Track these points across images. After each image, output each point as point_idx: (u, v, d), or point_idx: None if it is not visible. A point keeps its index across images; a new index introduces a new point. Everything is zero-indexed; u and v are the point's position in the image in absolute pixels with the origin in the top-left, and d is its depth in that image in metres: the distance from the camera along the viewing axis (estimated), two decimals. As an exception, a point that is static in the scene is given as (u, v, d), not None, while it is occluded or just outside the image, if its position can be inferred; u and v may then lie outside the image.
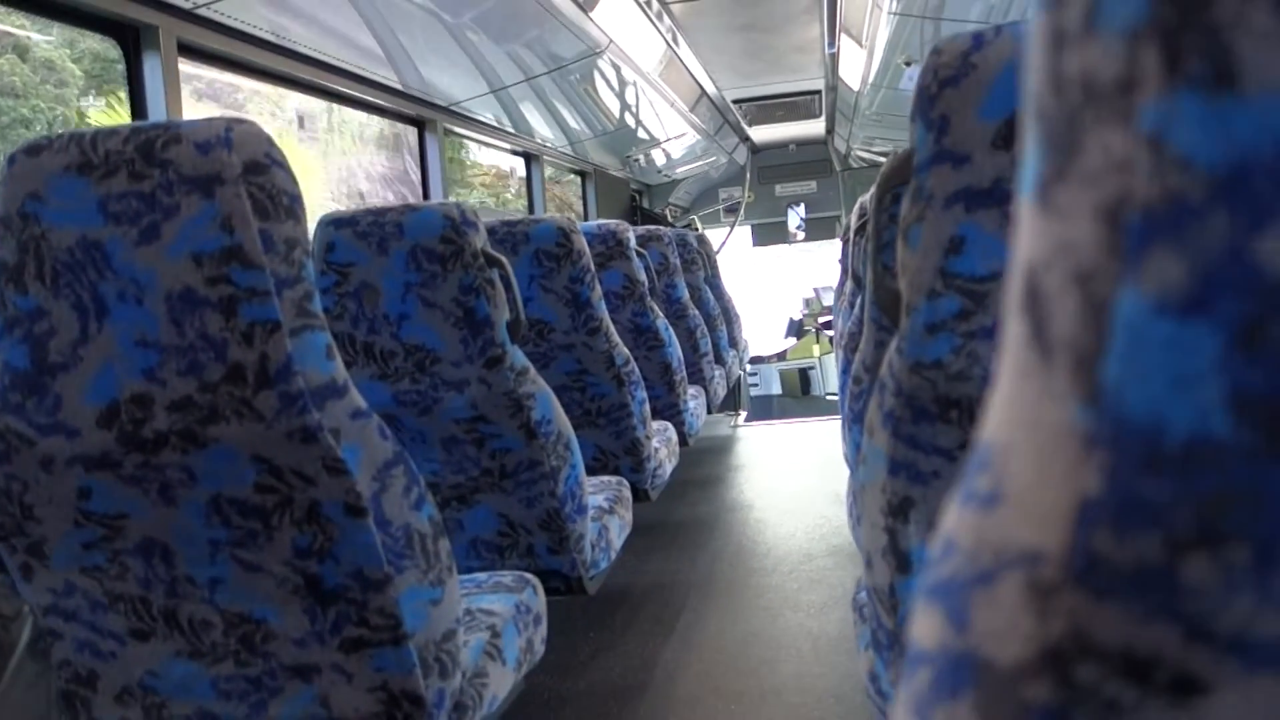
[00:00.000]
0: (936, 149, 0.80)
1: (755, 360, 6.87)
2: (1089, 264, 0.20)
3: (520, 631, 1.41)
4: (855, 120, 4.88)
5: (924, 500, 0.85)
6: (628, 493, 2.19)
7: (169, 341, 0.91)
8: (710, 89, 4.55)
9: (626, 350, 2.32)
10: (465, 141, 3.71)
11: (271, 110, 2.60)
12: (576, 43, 2.96)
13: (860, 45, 3.53)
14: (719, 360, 4.37)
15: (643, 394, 2.40)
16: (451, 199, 3.00)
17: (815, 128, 6.08)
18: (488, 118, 3.52)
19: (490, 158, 4.17)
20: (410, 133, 3.23)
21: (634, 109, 4.18)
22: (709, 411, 3.76)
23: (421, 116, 3.12)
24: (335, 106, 2.65)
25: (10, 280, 0.94)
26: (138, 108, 1.86)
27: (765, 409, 6.70)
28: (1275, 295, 0.18)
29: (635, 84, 3.74)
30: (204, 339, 0.91)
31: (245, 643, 1.04)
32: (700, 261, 4.59)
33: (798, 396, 6.77)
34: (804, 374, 6.84)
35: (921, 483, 0.85)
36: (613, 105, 4.01)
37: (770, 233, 6.88)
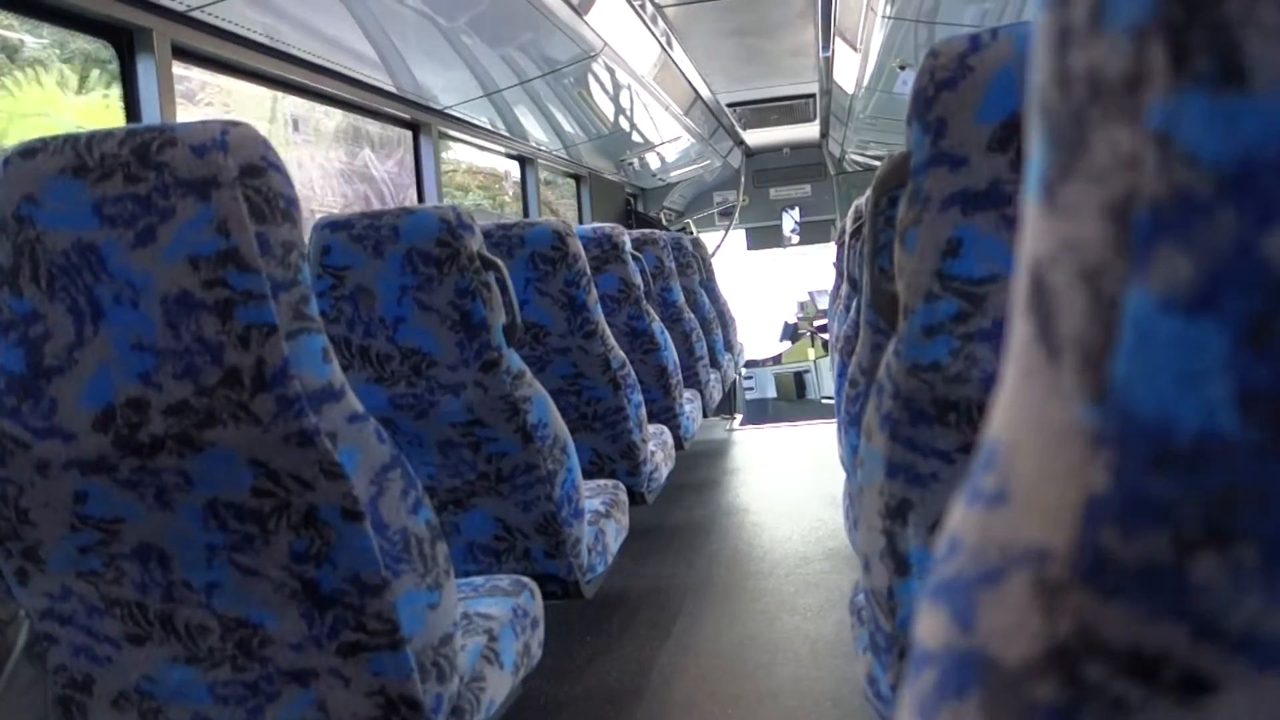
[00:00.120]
0: (933, 151, 0.80)
1: (750, 364, 6.88)
2: (1096, 261, 0.20)
3: (517, 635, 1.40)
4: (849, 124, 4.89)
5: (922, 502, 0.85)
6: (624, 496, 2.18)
7: (165, 345, 0.91)
8: (705, 93, 4.55)
9: (622, 354, 2.32)
10: (459, 145, 3.71)
11: (224, 102, 2.59)
12: (571, 46, 2.96)
13: (854, 49, 3.53)
14: (714, 364, 4.38)
15: (638, 397, 2.40)
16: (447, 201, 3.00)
17: (810, 131, 6.08)
18: (482, 121, 3.52)
19: (486, 161, 4.16)
20: (371, 126, 3.22)
21: (628, 113, 4.18)
22: (705, 415, 3.76)
23: (416, 120, 3.12)
24: (280, 95, 2.64)
25: (5, 283, 0.93)
26: (132, 110, 1.85)
27: (760, 412, 6.72)
28: None
29: (630, 88, 3.73)
30: (200, 342, 0.91)
31: (242, 647, 1.04)
32: (695, 265, 4.60)
33: (793, 400, 6.78)
34: (799, 377, 6.85)
35: (920, 485, 0.85)
36: (607, 109, 4.00)
37: (765, 236, 6.88)
